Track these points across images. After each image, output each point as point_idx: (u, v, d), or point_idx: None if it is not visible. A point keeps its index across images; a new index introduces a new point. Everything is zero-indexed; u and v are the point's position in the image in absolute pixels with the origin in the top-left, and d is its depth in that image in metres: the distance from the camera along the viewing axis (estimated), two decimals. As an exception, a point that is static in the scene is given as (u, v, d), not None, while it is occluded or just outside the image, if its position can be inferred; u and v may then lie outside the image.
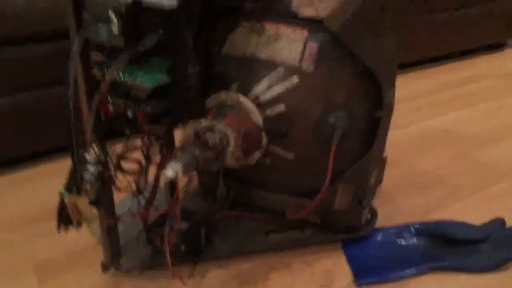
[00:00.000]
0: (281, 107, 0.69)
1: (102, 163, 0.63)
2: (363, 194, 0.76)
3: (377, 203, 0.87)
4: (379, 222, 0.83)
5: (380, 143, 0.77)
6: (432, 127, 1.21)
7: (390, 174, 0.89)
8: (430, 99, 1.38)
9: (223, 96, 0.69)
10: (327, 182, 0.70)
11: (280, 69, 0.69)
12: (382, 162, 0.83)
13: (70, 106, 0.60)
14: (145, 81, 0.60)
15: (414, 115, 1.27)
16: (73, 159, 0.62)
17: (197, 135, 0.62)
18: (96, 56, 0.62)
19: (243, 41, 0.71)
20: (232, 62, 0.72)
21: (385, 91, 0.72)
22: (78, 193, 0.62)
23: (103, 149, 0.65)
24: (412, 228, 0.83)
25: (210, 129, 0.64)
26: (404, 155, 1.06)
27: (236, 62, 0.71)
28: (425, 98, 1.39)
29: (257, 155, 0.70)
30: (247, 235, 0.79)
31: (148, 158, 0.68)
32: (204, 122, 0.64)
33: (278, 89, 0.69)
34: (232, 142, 0.64)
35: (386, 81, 0.71)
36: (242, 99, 0.68)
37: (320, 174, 0.74)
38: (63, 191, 0.62)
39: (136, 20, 0.59)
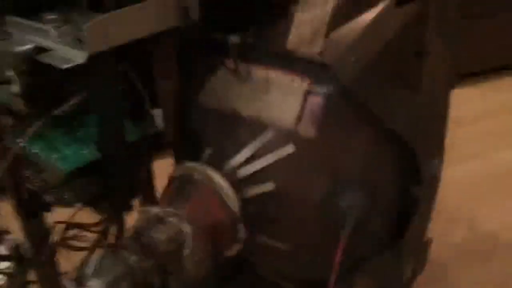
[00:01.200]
0: (268, 186, 0.50)
1: (21, 259, 0.48)
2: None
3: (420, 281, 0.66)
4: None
5: (419, 227, 0.56)
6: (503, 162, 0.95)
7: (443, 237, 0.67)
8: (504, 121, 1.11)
9: (189, 167, 0.51)
10: (332, 282, 0.51)
11: (269, 133, 0.50)
12: (423, 248, 0.61)
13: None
14: (58, 162, 0.43)
15: (481, 144, 1.01)
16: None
17: (137, 233, 0.45)
18: (5, 120, 0.46)
19: (222, 89, 0.52)
20: (207, 118, 0.53)
21: (423, 162, 0.50)
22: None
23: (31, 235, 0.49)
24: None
25: (159, 221, 0.46)
26: (463, 204, 0.83)
27: (212, 118, 0.52)
28: (498, 119, 1.12)
29: (235, 247, 0.52)
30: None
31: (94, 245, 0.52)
32: (153, 210, 0.47)
33: (265, 161, 0.50)
34: (189, 242, 0.46)
35: (425, 150, 0.50)
36: (212, 174, 0.49)
37: (328, 265, 0.54)
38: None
39: (43, 78, 0.41)
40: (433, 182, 0.54)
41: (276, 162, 0.49)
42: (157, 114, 0.54)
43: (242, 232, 0.50)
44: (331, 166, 0.49)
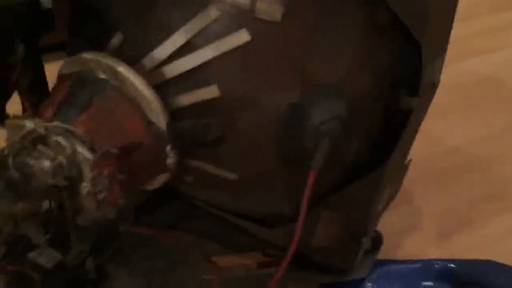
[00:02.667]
0: (210, 91, 0.34)
1: None
2: (364, 229, 0.44)
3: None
4: (386, 251, 0.50)
5: (405, 147, 0.43)
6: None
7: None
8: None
9: (88, 60, 0.34)
10: (302, 217, 0.37)
11: (213, 10, 0.33)
12: (403, 171, 0.49)
13: None
14: None
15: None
16: None
17: (1, 162, 0.28)
18: None
19: None
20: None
21: (427, 62, 0.36)
22: None
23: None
24: (435, 267, 0.52)
25: (40, 141, 0.30)
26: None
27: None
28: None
29: (161, 179, 0.37)
30: (170, 266, 0.48)
31: None
32: (28, 123, 0.30)
33: (205, 53, 0.33)
34: (87, 173, 0.30)
35: (431, 45, 0.35)
36: (125, 71, 0.33)
37: (287, 198, 0.41)
38: None
39: None
40: (431, 90, 0.41)
41: (222, 56, 0.33)
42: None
43: (171, 158, 0.35)
44: (301, 64, 0.34)
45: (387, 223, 0.54)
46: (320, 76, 0.34)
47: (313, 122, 0.35)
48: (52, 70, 0.39)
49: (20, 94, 0.37)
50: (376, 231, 0.50)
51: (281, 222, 0.45)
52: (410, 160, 0.48)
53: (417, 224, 0.58)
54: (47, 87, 0.41)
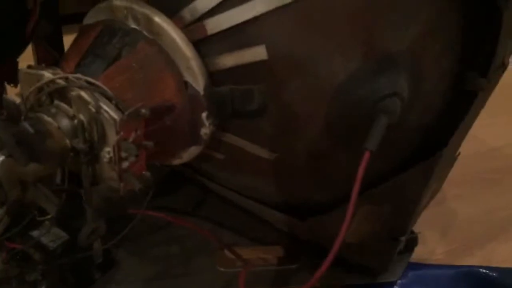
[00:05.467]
0: (257, 52, 0.29)
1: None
2: (406, 225, 0.39)
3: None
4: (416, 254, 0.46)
5: (461, 136, 0.39)
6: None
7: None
8: None
9: (120, 7, 0.29)
10: (351, 209, 0.32)
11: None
12: (450, 166, 0.44)
13: None
14: None
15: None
16: None
17: (11, 117, 0.23)
18: None
19: None
20: None
21: (503, 40, 0.32)
22: None
23: None
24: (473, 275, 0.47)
25: (61, 95, 0.25)
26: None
27: None
28: None
29: (192, 152, 0.32)
30: (185, 255, 0.43)
31: None
32: (46, 73, 0.25)
33: (255, 6, 0.29)
34: (112, 135, 0.25)
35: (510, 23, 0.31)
36: (162, 21, 0.28)
37: (328, 183, 0.36)
38: None
39: None
40: (499, 72, 0.36)
41: (275, 11, 0.28)
42: None
43: (206, 127, 0.30)
44: (368, 25, 0.29)
45: (417, 224, 0.50)
46: (387, 43, 0.29)
47: (372, 96, 0.30)
48: (68, 42, 0.34)
49: (36, 47, 0.32)
50: (412, 231, 0.45)
51: (310, 212, 0.40)
52: (459, 154, 0.43)
53: (450, 228, 0.53)
54: (63, 46, 0.36)
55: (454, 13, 0.32)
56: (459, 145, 0.41)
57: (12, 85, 0.33)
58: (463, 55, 0.34)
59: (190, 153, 0.31)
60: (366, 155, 0.31)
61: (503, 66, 0.36)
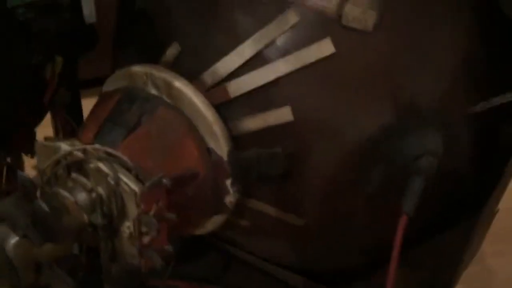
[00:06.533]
0: (283, 113, 0.28)
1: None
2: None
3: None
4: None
5: (501, 190, 0.36)
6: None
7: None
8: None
9: (138, 73, 0.28)
10: (391, 276, 0.30)
11: (291, 15, 0.27)
12: (490, 222, 0.42)
13: None
14: None
15: None
16: None
17: (27, 194, 0.22)
18: None
19: None
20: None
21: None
22: None
23: None
24: None
25: (79, 167, 0.24)
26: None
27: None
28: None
29: (217, 221, 0.30)
30: None
31: None
32: (63, 145, 0.24)
33: (278, 67, 0.28)
34: (132, 208, 0.24)
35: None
36: (182, 87, 0.27)
37: (364, 247, 0.34)
38: None
39: None
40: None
41: (299, 71, 0.27)
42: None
43: (231, 195, 0.28)
44: (395, 83, 0.28)
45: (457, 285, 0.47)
46: (417, 99, 0.28)
47: (406, 156, 0.29)
48: (87, 106, 0.34)
49: (53, 116, 0.31)
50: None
51: (346, 279, 0.38)
52: (498, 210, 0.41)
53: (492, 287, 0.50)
54: (82, 115, 0.36)
55: (481, 65, 0.31)
56: (499, 198, 0.39)
57: (29, 155, 0.32)
58: (499, 108, 0.32)
59: (214, 222, 0.29)
60: (404, 219, 0.28)
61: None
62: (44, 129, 0.36)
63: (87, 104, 0.35)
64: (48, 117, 0.36)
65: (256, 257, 0.39)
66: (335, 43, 0.27)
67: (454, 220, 0.35)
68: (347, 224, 0.32)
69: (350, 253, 0.34)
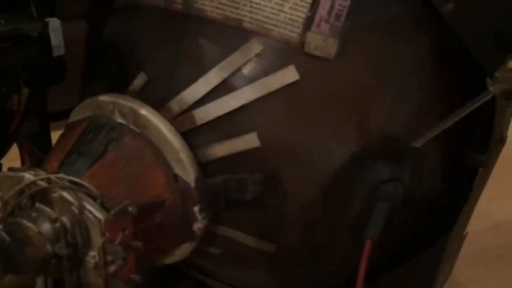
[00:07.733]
0: (249, 140, 0.28)
1: None
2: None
3: None
4: None
5: (468, 214, 0.37)
6: None
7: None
8: None
9: (105, 102, 0.28)
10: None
11: (255, 44, 0.28)
12: (459, 247, 0.42)
13: None
14: None
15: None
16: None
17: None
18: None
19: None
20: (142, 20, 0.30)
21: (499, 111, 0.31)
22: None
23: None
24: None
25: (43, 197, 0.24)
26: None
27: (151, 19, 0.29)
28: None
29: (185, 249, 0.30)
30: None
31: None
32: (27, 175, 0.24)
33: (245, 95, 0.28)
34: (96, 237, 0.24)
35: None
36: (149, 115, 0.27)
37: (334, 274, 0.34)
38: None
39: None
40: (499, 146, 0.35)
41: (264, 98, 0.28)
42: (54, 25, 0.31)
43: (199, 222, 0.28)
44: (360, 109, 0.28)
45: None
46: (383, 125, 0.28)
47: (372, 181, 0.29)
48: (56, 138, 0.34)
49: (20, 147, 0.31)
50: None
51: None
52: (467, 234, 0.41)
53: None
54: (51, 146, 0.35)
55: (448, 91, 0.32)
56: (467, 222, 0.39)
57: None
58: (461, 133, 0.33)
59: (183, 250, 0.29)
60: (368, 244, 0.29)
61: (502, 141, 0.35)
62: (12, 163, 0.35)
63: (57, 136, 0.34)
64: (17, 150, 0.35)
65: (229, 286, 0.39)
66: (299, 71, 0.28)
67: (426, 244, 0.35)
68: (318, 252, 0.32)
69: (323, 280, 0.34)
